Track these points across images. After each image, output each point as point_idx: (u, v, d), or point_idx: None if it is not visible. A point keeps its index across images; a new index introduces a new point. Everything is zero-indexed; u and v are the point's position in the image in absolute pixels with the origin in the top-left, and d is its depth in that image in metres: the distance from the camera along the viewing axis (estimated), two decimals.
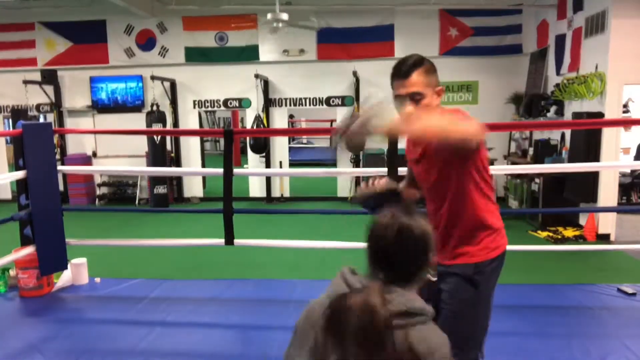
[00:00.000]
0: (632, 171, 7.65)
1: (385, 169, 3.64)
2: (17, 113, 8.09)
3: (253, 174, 8.65)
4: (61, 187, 6.91)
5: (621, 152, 7.40)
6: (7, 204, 8.05)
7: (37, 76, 8.44)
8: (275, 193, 8.81)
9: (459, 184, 1.71)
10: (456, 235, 1.78)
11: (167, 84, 8.43)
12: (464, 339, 1.75)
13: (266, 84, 8.46)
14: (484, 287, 1.78)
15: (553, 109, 6.70)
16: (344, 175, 8.68)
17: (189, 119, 8.73)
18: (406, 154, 1.95)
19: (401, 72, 1.68)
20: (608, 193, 5.75)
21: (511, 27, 8.13)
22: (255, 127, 8.20)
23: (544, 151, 6.56)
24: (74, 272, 4.20)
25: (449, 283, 1.79)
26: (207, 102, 8.72)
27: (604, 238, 5.79)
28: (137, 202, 8.79)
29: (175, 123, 8.60)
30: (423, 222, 1.32)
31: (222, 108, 8.81)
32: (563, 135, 6.56)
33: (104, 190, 8.99)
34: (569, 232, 5.97)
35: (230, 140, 3.70)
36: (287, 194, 8.87)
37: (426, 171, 1.80)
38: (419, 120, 1.49)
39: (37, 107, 8.79)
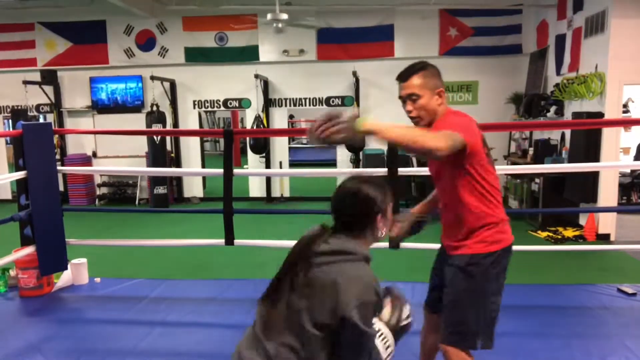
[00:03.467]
0: (632, 171, 7.65)
1: (385, 169, 3.63)
2: (17, 113, 8.08)
3: (253, 174, 8.65)
4: (61, 187, 6.91)
5: (621, 152, 7.40)
6: (7, 204, 8.05)
7: (37, 76, 8.44)
8: (275, 193, 8.81)
9: (454, 182, 1.91)
10: (459, 230, 1.95)
11: (167, 84, 8.42)
12: (462, 327, 1.92)
13: (266, 84, 8.46)
14: (480, 279, 1.90)
15: (553, 109, 6.70)
16: (344, 175, 8.65)
17: (189, 119, 8.73)
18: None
19: (402, 76, 1.93)
20: (608, 193, 5.75)
21: (511, 27, 8.13)
22: (255, 127, 8.19)
23: (544, 151, 6.56)
24: (74, 272, 4.19)
25: (448, 273, 1.99)
26: (207, 102, 8.72)
27: (604, 238, 5.79)
28: (137, 202, 8.79)
29: (175, 123, 8.60)
30: (371, 189, 1.58)
31: (222, 108, 8.81)
32: (563, 135, 6.55)
33: (104, 190, 8.99)
34: (569, 232, 5.97)
35: (230, 141, 3.69)
36: (287, 194, 8.87)
37: (434, 171, 2.06)
38: (395, 129, 1.63)
39: (37, 107, 8.80)
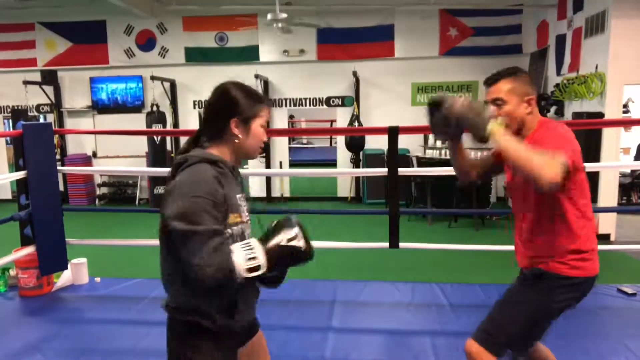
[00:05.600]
0: (632, 171, 7.65)
1: (385, 169, 3.63)
2: (17, 113, 8.07)
3: (253, 174, 8.63)
4: (61, 187, 6.91)
5: (621, 152, 7.40)
6: (7, 204, 8.05)
7: (37, 76, 8.44)
8: (275, 193, 8.81)
9: (546, 201, 1.81)
10: (536, 244, 1.87)
11: (167, 84, 8.43)
12: (496, 328, 1.86)
13: (266, 84, 8.46)
14: (538, 294, 1.83)
15: (553, 109, 6.70)
16: (344, 175, 8.68)
17: (189, 120, 8.73)
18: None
19: (489, 80, 1.89)
20: (608, 193, 5.75)
21: (511, 27, 8.13)
22: None
23: None
24: (74, 272, 4.20)
25: (519, 282, 1.94)
26: None
27: (604, 238, 5.78)
28: (137, 202, 8.79)
29: (175, 123, 8.60)
30: (239, 91, 1.53)
31: None
32: None
33: (104, 190, 8.99)
34: None
35: None
36: (287, 194, 8.87)
37: (517, 182, 1.92)
38: (514, 143, 1.66)
39: (37, 107, 8.80)
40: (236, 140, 1.51)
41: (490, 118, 1.67)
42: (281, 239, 1.42)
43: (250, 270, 1.35)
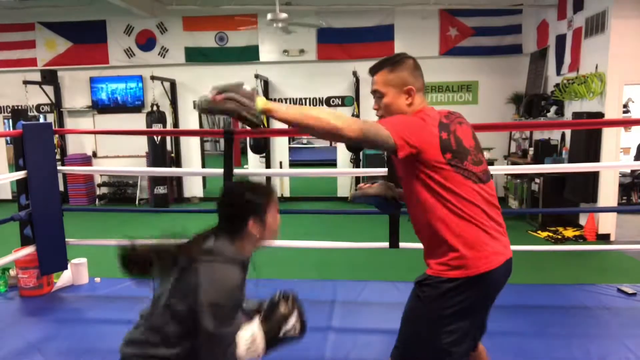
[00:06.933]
0: (632, 171, 7.65)
1: (385, 170, 3.63)
2: (17, 113, 8.09)
3: (253, 174, 8.61)
4: (61, 187, 6.91)
5: (621, 152, 7.40)
6: (7, 204, 8.05)
7: (37, 76, 8.44)
8: None
9: (414, 190, 1.67)
10: (423, 243, 1.75)
11: (167, 84, 8.43)
12: (403, 352, 1.73)
13: (266, 84, 8.46)
14: (430, 304, 1.66)
15: (553, 109, 6.70)
16: (344, 175, 8.68)
17: (189, 119, 8.73)
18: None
19: (370, 71, 1.77)
20: (608, 193, 5.75)
21: (511, 27, 8.12)
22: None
23: (544, 151, 6.56)
24: (74, 272, 4.19)
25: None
26: None
27: (604, 238, 5.79)
28: (137, 202, 8.79)
29: (176, 123, 8.60)
30: (250, 192, 1.60)
31: None
32: (563, 135, 6.56)
33: (104, 190, 8.99)
34: (569, 232, 5.97)
35: (230, 141, 3.69)
36: (287, 194, 8.86)
37: (400, 171, 1.77)
38: (294, 108, 1.52)
39: (37, 107, 8.80)
40: (256, 240, 1.63)
41: (253, 95, 1.50)
42: (278, 330, 1.58)
43: (249, 353, 1.53)
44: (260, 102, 1.50)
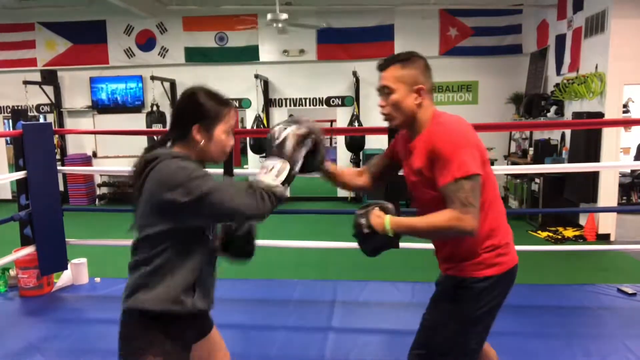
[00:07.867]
0: (632, 171, 7.65)
1: None
2: (17, 113, 8.00)
3: (253, 174, 8.63)
4: (61, 187, 6.91)
5: (621, 152, 7.40)
6: (7, 204, 8.04)
7: (37, 76, 8.44)
8: None
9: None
10: (447, 247, 1.74)
11: (167, 84, 8.42)
12: (437, 355, 1.70)
13: (266, 84, 8.46)
14: (467, 306, 1.66)
15: (553, 109, 6.70)
16: None
17: None
18: (398, 152, 1.89)
19: (380, 66, 1.71)
20: (608, 193, 5.75)
21: (511, 27, 8.13)
22: (255, 128, 8.19)
23: (544, 151, 6.56)
24: (74, 272, 4.19)
25: (434, 294, 1.82)
26: None
27: (604, 238, 5.79)
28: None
29: None
30: (207, 97, 1.53)
31: None
32: (563, 135, 6.56)
33: (104, 190, 8.99)
34: (569, 232, 5.97)
35: None
36: (287, 194, 8.85)
37: (421, 183, 1.70)
38: (411, 221, 1.64)
39: (37, 107, 8.80)
40: (198, 146, 1.55)
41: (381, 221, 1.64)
42: (294, 139, 1.61)
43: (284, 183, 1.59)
44: (385, 222, 1.63)
